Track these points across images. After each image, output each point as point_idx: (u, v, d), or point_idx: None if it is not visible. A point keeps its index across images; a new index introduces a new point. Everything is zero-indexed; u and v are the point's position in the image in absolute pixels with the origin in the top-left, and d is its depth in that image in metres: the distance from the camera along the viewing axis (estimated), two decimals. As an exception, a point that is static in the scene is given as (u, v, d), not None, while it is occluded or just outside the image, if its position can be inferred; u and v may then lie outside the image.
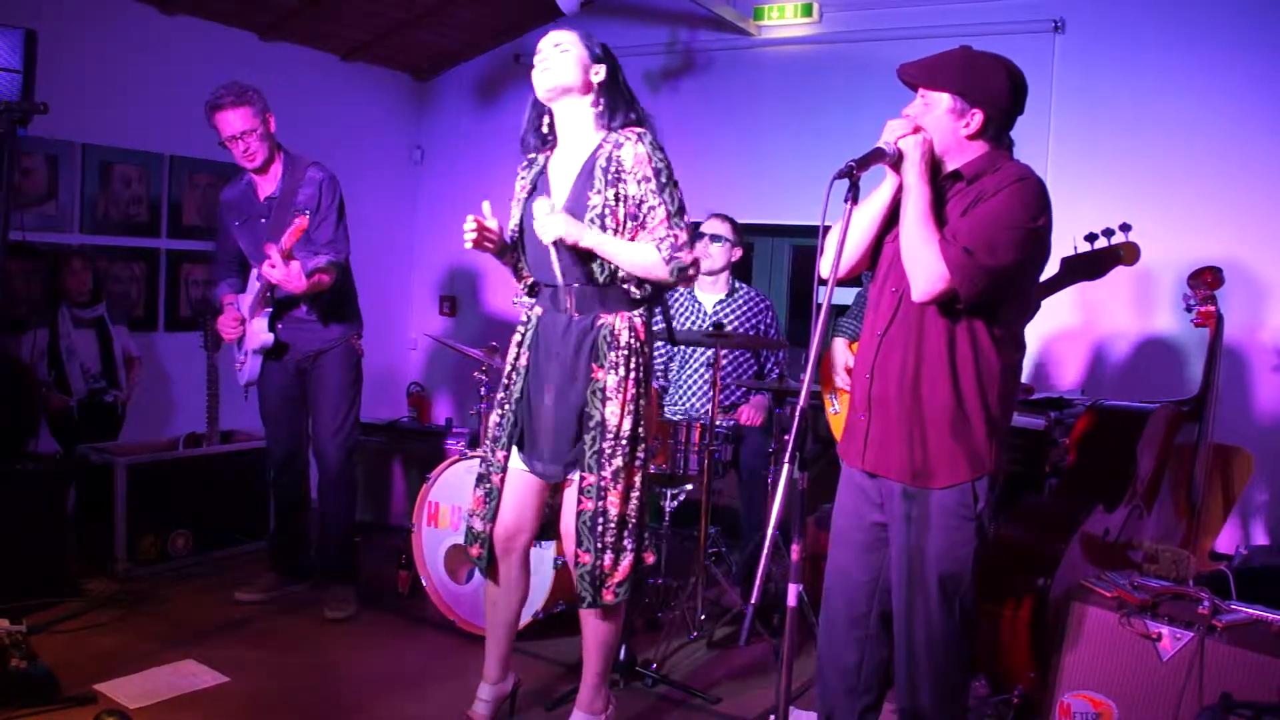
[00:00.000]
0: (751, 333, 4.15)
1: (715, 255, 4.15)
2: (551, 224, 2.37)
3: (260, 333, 3.53)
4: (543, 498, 2.64)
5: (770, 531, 1.87)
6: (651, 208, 2.42)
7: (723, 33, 5.08)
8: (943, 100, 2.21)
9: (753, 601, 1.88)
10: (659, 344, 4.25)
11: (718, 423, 3.57)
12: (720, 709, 3.02)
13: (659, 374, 4.31)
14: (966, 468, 2.23)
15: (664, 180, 2.42)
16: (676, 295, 4.29)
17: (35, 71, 3.04)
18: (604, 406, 2.44)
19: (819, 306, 1.99)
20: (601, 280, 2.46)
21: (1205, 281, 3.32)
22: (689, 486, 3.82)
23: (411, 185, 6.19)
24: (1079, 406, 3.45)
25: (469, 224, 2.49)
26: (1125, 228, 3.06)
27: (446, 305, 6.18)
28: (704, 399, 4.13)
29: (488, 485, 2.62)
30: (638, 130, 2.46)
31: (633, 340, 2.46)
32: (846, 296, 3.86)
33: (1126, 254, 3.11)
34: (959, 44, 2.26)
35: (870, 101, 4.50)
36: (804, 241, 5.18)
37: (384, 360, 6.04)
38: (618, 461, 2.45)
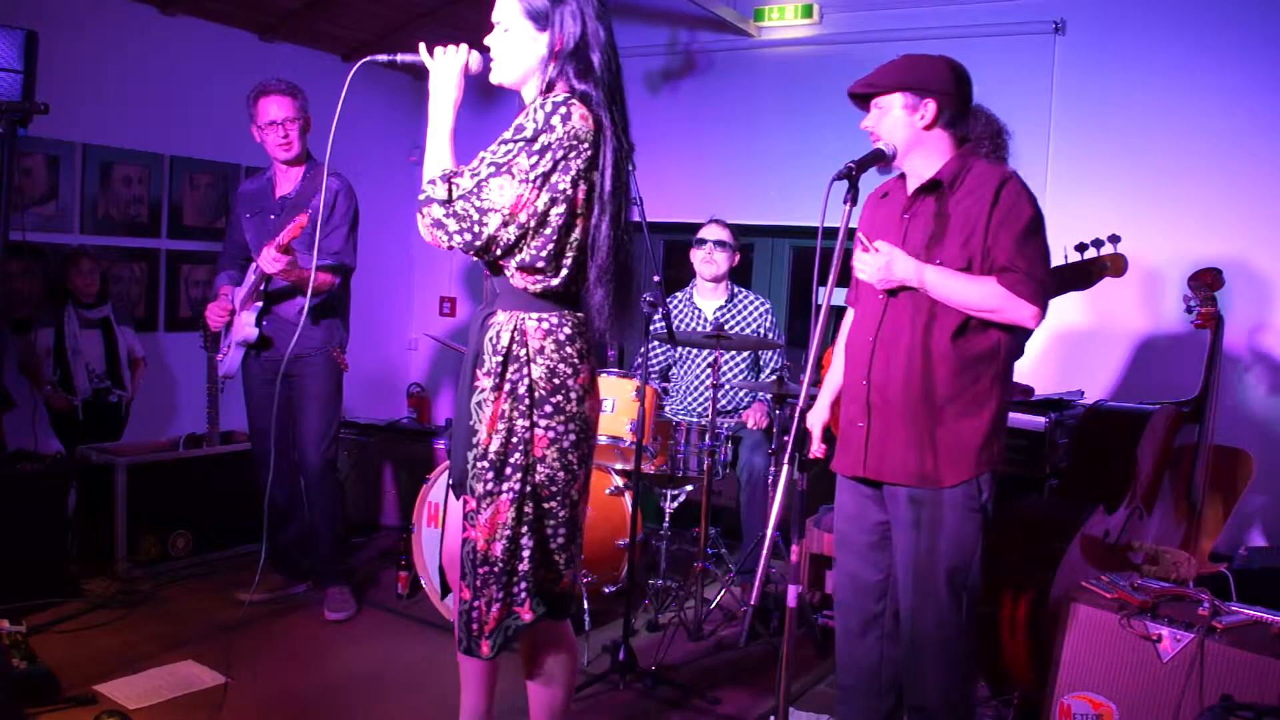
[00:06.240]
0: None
1: (719, 262, 4.13)
2: None
3: (246, 325, 3.55)
4: None
5: (770, 532, 1.87)
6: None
7: (723, 33, 5.08)
8: (895, 100, 2.28)
9: (752, 602, 1.89)
10: (659, 345, 4.25)
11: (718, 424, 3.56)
12: (720, 709, 3.02)
13: (657, 376, 4.30)
14: (974, 462, 2.25)
15: (514, 136, 2.04)
16: (676, 300, 4.28)
17: (35, 71, 3.03)
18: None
19: (818, 307, 1.99)
20: (503, 272, 2.12)
21: (1205, 282, 3.31)
22: (689, 487, 3.82)
23: (412, 185, 6.08)
24: (1079, 407, 3.45)
25: None
26: (1114, 239, 3.05)
27: (446, 305, 6.18)
28: (706, 401, 4.12)
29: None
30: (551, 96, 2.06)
31: (515, 346, 2.06)
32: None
33: (1114, 265, 3.10)
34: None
35: (870, 102, 4.50)
36: (804, 242, 5.17)
37: (384, 360, 6.04)
38: (479, 486, 2.05)
